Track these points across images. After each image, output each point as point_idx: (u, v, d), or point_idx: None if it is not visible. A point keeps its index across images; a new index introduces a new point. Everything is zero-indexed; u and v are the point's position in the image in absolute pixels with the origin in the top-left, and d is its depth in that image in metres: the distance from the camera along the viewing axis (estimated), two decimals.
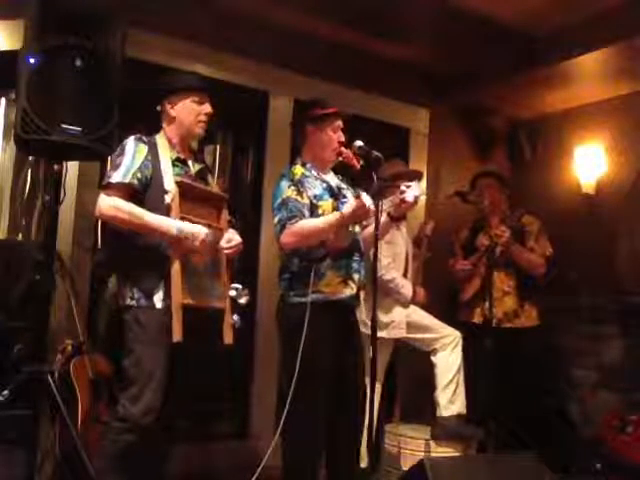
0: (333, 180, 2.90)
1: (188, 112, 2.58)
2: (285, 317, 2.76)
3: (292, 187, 2.72)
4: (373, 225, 2.60)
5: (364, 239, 2.87)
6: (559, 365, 3.95)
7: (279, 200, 2.73)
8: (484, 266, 3.81)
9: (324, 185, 2.81)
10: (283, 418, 2.62)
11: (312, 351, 2.59)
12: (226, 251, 2.55)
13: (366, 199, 2.64)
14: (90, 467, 2.58)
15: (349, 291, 2.74)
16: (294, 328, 2.62)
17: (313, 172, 2.82)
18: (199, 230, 2.39)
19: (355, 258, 2.79)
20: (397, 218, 2.86)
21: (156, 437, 2.39)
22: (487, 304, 3.57)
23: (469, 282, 3.92)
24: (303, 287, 2.66)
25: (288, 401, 2.60)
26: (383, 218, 2.67)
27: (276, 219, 2.72)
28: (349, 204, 2.66)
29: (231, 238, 2.58)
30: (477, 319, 3.87)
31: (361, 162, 2.68)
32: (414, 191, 2.66)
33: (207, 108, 2.60)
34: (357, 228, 2.84)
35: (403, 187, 2.68)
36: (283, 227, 2.67)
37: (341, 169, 2.96)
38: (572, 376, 4.01)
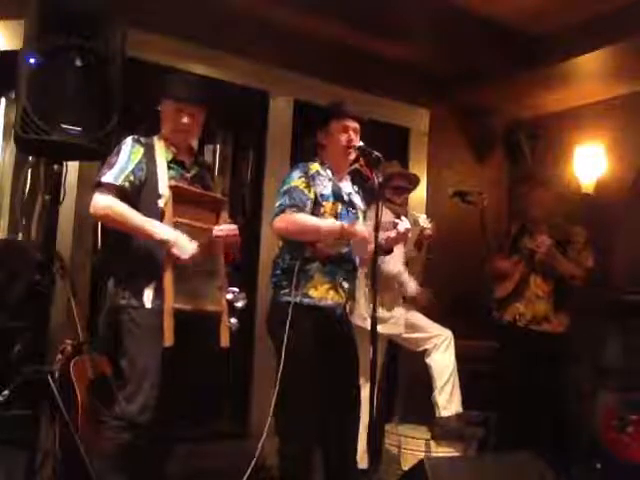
0: (346, 188, 2.90)
1: (168, 120, 2.58)
2: (273, 315, 2.77)
3: (303, 179, 2.74)
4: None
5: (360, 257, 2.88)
6: (569, 367, 3.95)
7: (286, 187, 2.74)
8: (522, 268, 3.86)
9: (334, 188, 2.81)
10: (269, 417, 2.64)
11: (298, 351, 2.60)
12: (218, 233, 2.52)
13: (369, 234, 2.64)
14: (90, 467, 2.58)
15: (337, 298, 2.74)
16: (280, 327, 2.63)
17: (328, 173, 2.83)
18: (188, 245, 2.37)
19: (347, 267, 2.78)
20: (387, 251, 2.90)
21: (154, 435, 2.39)
22: (519, 305, 3.79)
23: (504, 281, 3.92)
24: (290, 286, 2.67)
25: (274, 399, 2.62)
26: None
27: (277, 203, 2.74)
28: (357, 226, 2.70)
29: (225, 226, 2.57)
30: (508, 318, 3.88)
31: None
32: (405, 224, 2.76)
33: (183, 119, 2.54)
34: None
35: (396, 220, 2.77)
36: (281, 212, 2.69)
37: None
38: (575, 376, 4.01)
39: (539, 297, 3.85)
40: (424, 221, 2.90)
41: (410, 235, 2.85)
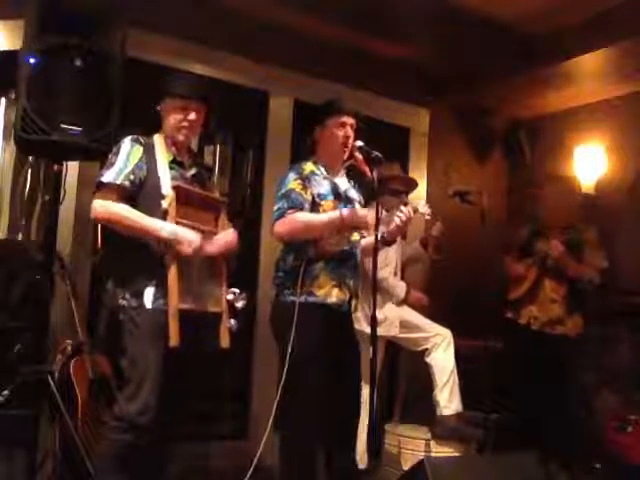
0: (343, 184, 2.90)
1: (171, 118, 2.56)
2: (277, 315, 2.77)
3: (298, 180, 2.74)
4: (371, 238, 2.63)
5: (362, 250, 2.88)
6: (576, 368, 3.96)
7: (283, 190, 2.74)
8: (536, 271, 3.86)
9: (331, 186, 2.81)
10: (272, 417, 2.65)
11: (303, 350, 2.60)
12: (217, 244, 2.52)
13: (369, 213, 2.64)
14: (90, 467, 2.58)
15: (342, 296, 2.74)
16: (285, 326, 2.62)
17: (323, 171, 2.83)
18: (192, 236, 2.38)
19: (350, 265, 2.79)
20: (389, 242, 2.90)
21: (154, 436, 2.38)
22: (533, 308, 3.81)
23: (518, 283, 3.92)
24: (295, 286, 2.67)
25: (277, 399, 2.62)
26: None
27: (276, 207, 2.74)
28: (352, 209, 2.70)
29: (218, 238, 2.57)
30: (522, 320, 3.88)
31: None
32: (406, 213, 2.76)
33: (190, 116, 2.55)
34: (356, 236, 2.85)
35: (397, 212, 2.76)
36: (281, 215, 2.69)
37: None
38: (577, 376, 4.01)
39: (554, 300, 3.83)
40: (423, 207, 2.90)
41: (410, 225, 2.85)
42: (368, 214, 2.65)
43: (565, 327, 3.82)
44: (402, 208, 2.80)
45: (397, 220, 2.76)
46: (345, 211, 2.68)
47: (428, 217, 3.02)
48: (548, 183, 4.13)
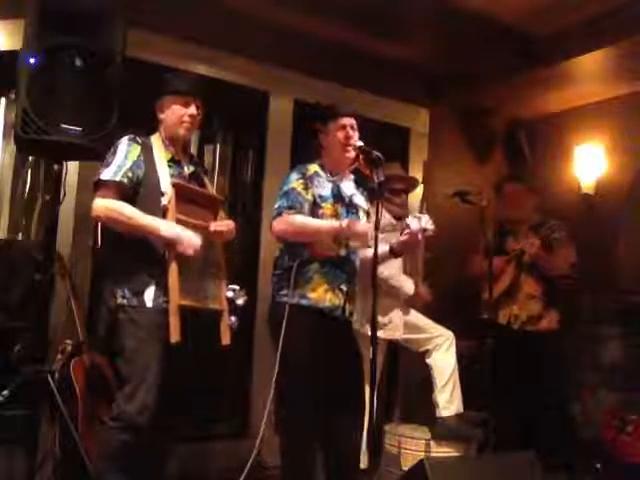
0: (349, 189, 2.90)
1: (172, 114, 2.57)
2: (273, 315, 2.77)
3: (300, 180, 2.75)
4: (370, 250, 2.63)
5: (361, 261, 2.88)
6: (567, 366, 3.96)
7: (284, 189, 2.76)
8: (513, 270, 3.88)
9: (334, 189, 2.82)
10: (264, 418, 2.66)
11: (296, 352, 2.61)
12: (215, 228, 2.55)
13: (369, 228, 2.65)
14: (90, 467, 2.59)
15: (335, 300, 2.74)
16: (279, 327, 2.63)
17: (327, 174, 2.84)
18: (192, 236, 2.39)
19: (346, 270, 2.78)
20: (397, 254, 2.93)
21: (152, 436, 2.38)
22: (513, 307, 3.84)
23: (495, 283, 3.89)
24: (289, 287, 2.68)
25: (273, 399, 2.63)
26: (383, 249, 2.71)
27: (276, 205, 2.76)
28: (353, 222, 2.70)
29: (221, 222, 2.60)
30: (502, 320, 3.88)
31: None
32: (418, 223, 2.80)
33: (191, 110, 2.57)
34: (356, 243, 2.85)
35: (408, 221, 2.81)
36: (279, 214, 2.71)
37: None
38: (575, 376, 4.01)
39: (533, 297, 3.87)
40: (426, 222, 2.91)
41: (420, 237, 2.87)
42: (368, 231, 2.65)
43: (543, 323, 3.85)
44: (410, 218, 2.82)
45: (410, 230, 2.81)
46: (345, 223, 2.68)
47: (431, 233, 3.02)
48: (505, 183, 4.16)
